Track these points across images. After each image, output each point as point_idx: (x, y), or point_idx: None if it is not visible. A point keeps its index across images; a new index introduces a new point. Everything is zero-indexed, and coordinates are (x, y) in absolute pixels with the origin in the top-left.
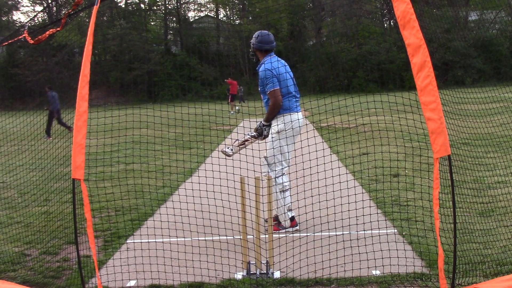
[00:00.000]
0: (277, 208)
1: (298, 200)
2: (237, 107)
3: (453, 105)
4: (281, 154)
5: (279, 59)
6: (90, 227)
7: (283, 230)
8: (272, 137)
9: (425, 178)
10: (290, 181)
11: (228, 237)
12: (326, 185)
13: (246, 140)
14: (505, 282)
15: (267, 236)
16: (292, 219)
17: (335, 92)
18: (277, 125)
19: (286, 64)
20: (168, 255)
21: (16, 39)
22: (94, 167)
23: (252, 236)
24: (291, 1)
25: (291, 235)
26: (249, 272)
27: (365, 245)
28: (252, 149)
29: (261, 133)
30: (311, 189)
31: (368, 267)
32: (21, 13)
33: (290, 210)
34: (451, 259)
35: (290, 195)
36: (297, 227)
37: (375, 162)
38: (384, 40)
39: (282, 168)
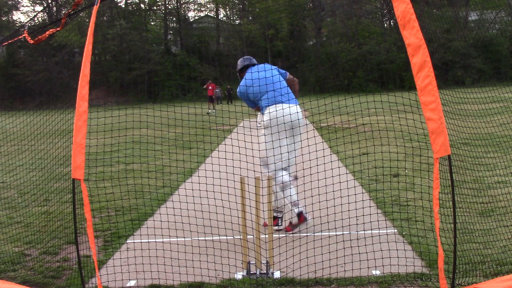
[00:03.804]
0: (282, 206)
1: (298, 200)
2: (211, 108)
3: (453, 105)
4: (280, 147)
5: (255, 70)
6: (90, 227)
7: (297, 229)
8: (263, 134)
9: (425, 178)
10: (297, 179)
11: (228, 237)
12: (326, 185)
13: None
14: (505, 282)
15: (267, 236)
16: (299, 215)
17: (335, 92)
18: (263, 120)
19: (263, 69)
20: (168, 255)
21: (16, 39)
22: (94, 167)
23: (252, 236)
24: (291, 1)
25: (291, 235)
26: (249, 272)
27: (365, 245)
28: (252, 149)
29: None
30: (311, 189)
31: (368, 267)
32: (21, 13)
33: (296, 205)
34: (451, 259)
35: (297, 193)
36: (309, 219)
37: (375, 162)
38: (384, 40)
39: (277, 164)
